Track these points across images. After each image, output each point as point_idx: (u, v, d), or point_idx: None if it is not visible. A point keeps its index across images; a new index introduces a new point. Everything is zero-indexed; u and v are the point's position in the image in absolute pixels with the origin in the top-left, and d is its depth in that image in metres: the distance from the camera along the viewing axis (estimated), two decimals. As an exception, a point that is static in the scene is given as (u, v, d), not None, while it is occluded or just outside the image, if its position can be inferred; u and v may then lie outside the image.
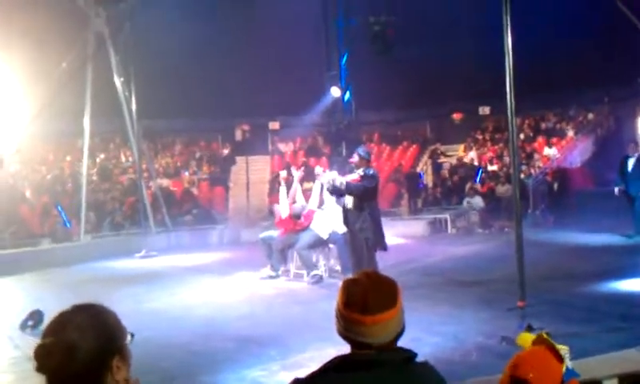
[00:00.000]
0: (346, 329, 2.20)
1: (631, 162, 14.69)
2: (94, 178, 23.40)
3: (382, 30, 20.76)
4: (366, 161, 10.57)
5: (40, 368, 1.91)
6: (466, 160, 25.45)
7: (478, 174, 23.31)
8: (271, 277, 12.06)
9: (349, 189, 10.29)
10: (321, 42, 22.32)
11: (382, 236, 10.31)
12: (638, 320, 7.31)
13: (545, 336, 2.31)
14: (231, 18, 27.44)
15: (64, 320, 1.95)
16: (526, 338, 2.30)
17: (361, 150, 10.87)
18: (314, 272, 11.58)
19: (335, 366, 2.18)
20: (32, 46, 16.96)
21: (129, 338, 2.04)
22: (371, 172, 10.40)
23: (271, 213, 13.59)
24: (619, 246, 13.49)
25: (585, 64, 25.32)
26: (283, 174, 13.16)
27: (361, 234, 10.12)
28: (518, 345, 2.31)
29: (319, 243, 11.89)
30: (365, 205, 10.17)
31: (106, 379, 1.94)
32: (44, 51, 17.54)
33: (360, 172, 10.39)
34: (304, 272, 11.81)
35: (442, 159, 26.98)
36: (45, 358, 1.89)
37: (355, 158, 10.63)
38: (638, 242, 13.70)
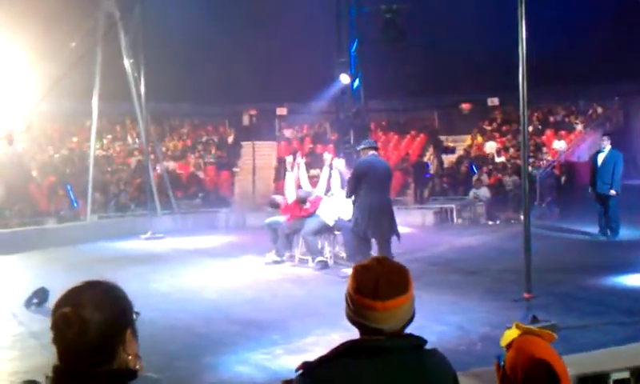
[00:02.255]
0: (357, 314, 2.18)
1: (601, 157, 13.86)
2: (101, 159, 23.41)
3: (393, 18, 20.64)
4: (363, 151, 10.83)
5: (58, 338, 1.90)
6: (487, 150, 25.14)
7: (472, 169, 23.19)
8: (276, 262, 12.07)
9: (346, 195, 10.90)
10: (331, 29, 22.17)
11: (367, 223, 10.16)
12: (643, 314, 7.29)
13: (525, 326, 2.33)
14: (242, 3, 27.37)
15: (78, 293, 1.94)
16: (510, 335, 2.32)
17: (361, 145, 11.27)
18: (319, 258, 11.58)
19: (345, 350, 2.15)
20: (41, 26, 16.93)
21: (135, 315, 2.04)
22: (357, 164, 10.78)
23: (273, 206, 13.31)
24: (624, 241, 13.45)
25: (595, 58, 25.20)
26: (289, 159, 13.08)
27: (351, 223, 10.54)
28: (502, 346, 2.32)
29: (325, 230, 11.88)
30: (355, 196, 10.42)
31: (119, 352, 1.94)
32: (53, 31, 17.48)
33: None
34: (309, 258, 11.81)
35: (450, 148, 26.97)
36: (65, 328, 1.88)
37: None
38: (614, 240, 13.58)
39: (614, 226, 13.87)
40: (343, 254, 12.06)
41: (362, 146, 10.93)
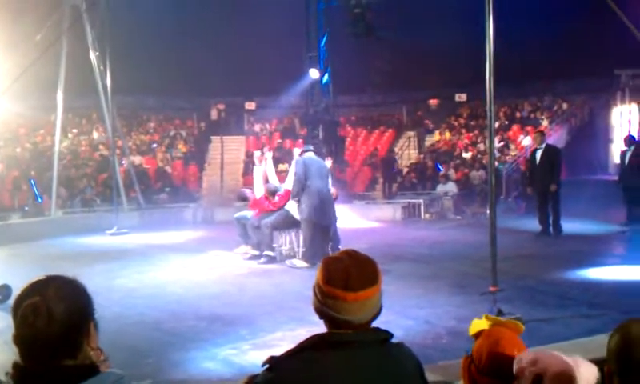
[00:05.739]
0: (326, 305, 2.18)
1: (539, 155, 13.73)
2: (67, 153, 23.11)
3: (363, 13, 20.68)
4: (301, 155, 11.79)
5: (25, 330, 1.87)
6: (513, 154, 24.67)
7: (437, 167, 23.32)
8: (255, 256, 11.88)
9: (293, 194, 11.41)
10: (300, 23, 22.15)
11: (319, 211, 11.10)
12: (605, 307, 7.41)
13: (494, 317, 2.40)
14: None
15: (42, 285, 1.94)
16: (478, 325, 2.36)
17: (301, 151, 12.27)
18: (268, 252, 11.53)
19: (312, 344, 2.16)
20: (5, 18, 16.62)
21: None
22: (297, 164, 11.38)
23: (241, 199, 13.44)
24: (589, 234, 13.66)
25: (561, 54, 25.54)
26: (257, 153, 13.06)
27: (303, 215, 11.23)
28: (471, 335, 2.36)
29: (291, 224, 11.79)
30: (303, 192, 11.18)
31: (83, 345, 1.93)
32: (18, 23, 17.20)
33: None
34: (276, 253, 11.73)
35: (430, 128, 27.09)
36: (34, 317, 1.86)
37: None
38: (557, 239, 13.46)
39: (559, 222, 13.76)
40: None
41: (302, 151, 12.01)
